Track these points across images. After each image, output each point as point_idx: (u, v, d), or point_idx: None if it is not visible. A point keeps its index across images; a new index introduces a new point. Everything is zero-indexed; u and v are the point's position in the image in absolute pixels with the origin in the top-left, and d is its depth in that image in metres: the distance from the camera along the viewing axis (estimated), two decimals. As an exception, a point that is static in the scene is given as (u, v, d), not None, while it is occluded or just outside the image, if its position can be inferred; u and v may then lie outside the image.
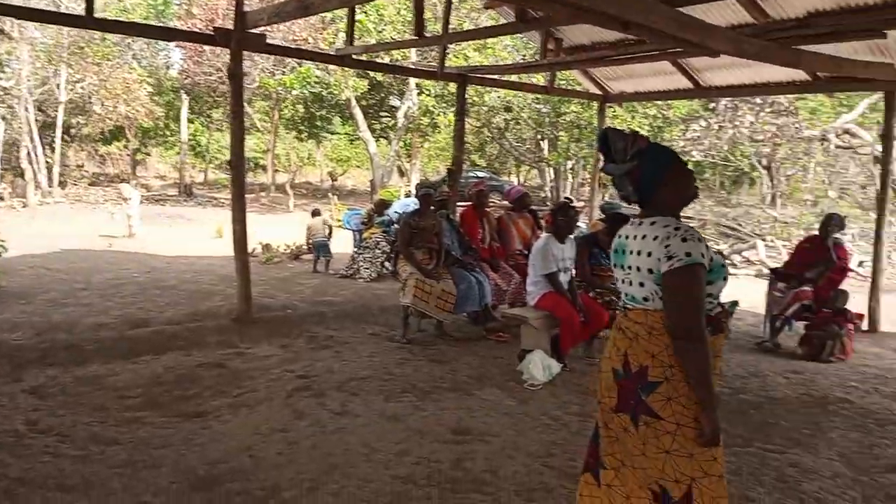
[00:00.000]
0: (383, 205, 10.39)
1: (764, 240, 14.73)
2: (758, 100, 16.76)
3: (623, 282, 2.40)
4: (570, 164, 25.96)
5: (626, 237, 2.40)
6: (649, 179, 2.34)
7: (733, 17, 6.56)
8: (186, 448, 3.84)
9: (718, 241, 15.91)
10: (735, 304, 6.64)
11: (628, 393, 2.30)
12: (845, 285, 7.00)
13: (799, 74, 7.62)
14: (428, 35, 7.70)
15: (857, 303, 7.45)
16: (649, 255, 2.28)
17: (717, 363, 2.33)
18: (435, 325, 6.74)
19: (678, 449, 2.23)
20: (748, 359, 6.44)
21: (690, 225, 2.31)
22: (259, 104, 28.18)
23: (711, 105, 18.21)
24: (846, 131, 16.83)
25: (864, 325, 7.55)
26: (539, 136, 24.68)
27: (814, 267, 6.80)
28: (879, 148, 9.29)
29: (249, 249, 7.14)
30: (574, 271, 6.01)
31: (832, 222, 6.74)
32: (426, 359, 5.90)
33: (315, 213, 10.98)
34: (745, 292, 9.52)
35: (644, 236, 2.32)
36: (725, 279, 2.38)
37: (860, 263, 12.19)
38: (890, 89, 7.25)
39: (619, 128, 2.49)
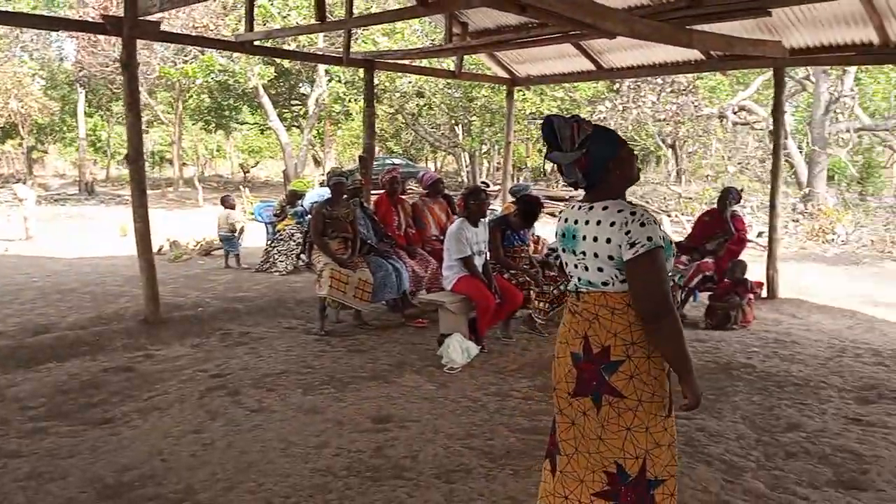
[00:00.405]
0: (296, 196, 10.19)
1: (669, 215, 15.31)
2: (659, 80, 17.35)
3: (576, 266, 2.40)
4: (484, 148, 26.21)
5: (577, 222, 2.39)
6: (598, 165, 2.34)
7: (626, 0, 6.74)
8: (94, 456, 3.68)
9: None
10: (682, 276, 6.89)
11: (590, 375, 2.33)
12: (746, 255, 7.36)
13: (694, 54, 7.92)
14: (331, 20, 7.55)
15: (756, 272, 7.87)
16: (608, 241, 2.28)
17: None
18: (353, 314, 6.69)
19: (638, 425, 2.29)
20: (657, 330, 6.68)
21: (637, 206, 2.34)
22: (162, 95, 27.11)
23: (615, 86, 18.73)
24: (742, 108, 17.68)
25: (764, 293, 7.98)
26: (453, 122, 24.78)
27: (713, 239, 7.12)
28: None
29: (156, 247, 6.87)
30: (488, 254, 6.09)
31: (729, 195, 7.07)
32: (345, 349, 5.85)
33: (224, 202, 10.53)
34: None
35: (599, 222, 2.32)
36: (673, 255, 2.42)
37: (759, 234, 12.85)
38: (778, 66, 7.63)
39: (562, 115, 2.46)
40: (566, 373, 2.39)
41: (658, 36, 5.43)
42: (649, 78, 17.05)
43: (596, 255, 2.31)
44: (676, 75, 16.49)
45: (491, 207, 11.75)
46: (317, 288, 6.35)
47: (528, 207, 6.19)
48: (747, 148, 18.37)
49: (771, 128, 8.67)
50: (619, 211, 2.29)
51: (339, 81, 21.48)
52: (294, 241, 9.63)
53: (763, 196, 14.46)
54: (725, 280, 6.99)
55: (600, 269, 2.31)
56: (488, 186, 21.77)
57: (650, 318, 2.24)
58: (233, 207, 10.41)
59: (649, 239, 2.22)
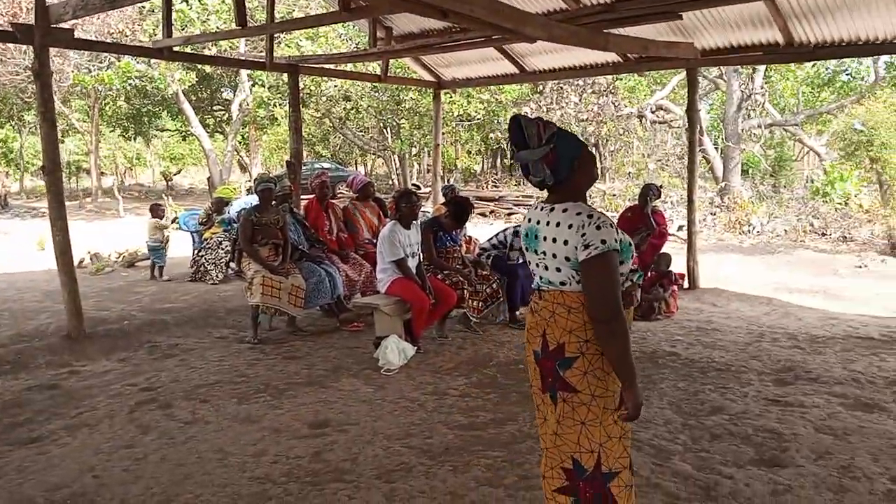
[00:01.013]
0: (222, 203, 9.98)
1: (595, 212, 15.67)
2: (580, 81, 17.79)
3: (537, 266, 2.47)
4: (414, 150, 26.26)
5: (538, 222, 2.45)
6: (567, 160, 2.40)
7: (548, 4, 6.92)
8: (22, 477, 3.54)
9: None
10: (641, 274, 7.07)
11: (547, 371, 2.42)
12: (668, 248, 7.66)
13: (612, 56, 8.19)
14: (253, 24, 7.46)
15: (678, 263, 8.19)
16: (565, 243, 2.35)
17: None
18: (287, 321, 6.63)
19: (592, 419, 2.37)
20: (587, 324, 6.87)
21: (595, 209, 2.41)
22: (77, 103, 26.02)
23: (539, 88, 19.10)
24: (660, 107, 18.31)
25: (685, 284, 8.32)
26: (381, 125, 24.73)
27: (636, 234, 7.38)
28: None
29: (76, 260, 6.63)
30: (421, 255, 6.14)
31: (650, 192, 7.34)
32: (280, 356, 5.80)
33: (153, 211, 10.18)
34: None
35: (558, 223, 2.37)
36: (632, 257, 2.49)
37: (679, 227, 13.35)
38: (691, 66, 7.97)
39: (526, 115, 2.51)
40: (533, 370, 2.49)
41: (576, 40, 5.60)
42: (571, 80, 17.49)
43: (554, 256, 2.38)
44: (597, 77, 16.96)
45: (422, 209, 11.82)
46: (248, 296, 6.26)
47: (459, 208, 6.28)
48: (666, 145, 19.01)
49: (687, 126, 9.01)
50: (577, 214, 2.35)
51: (263, 86, 21.14)
52: (223, 249, 9.44)
53: (682, 191, 14.98)
54: (651, 272, 7.25)
55: (558, 269, 2.39)
56: (419, 189, 21.87)
57: (599, 319, 2.31)
58: (161, 216, 10.11)
59: (603, 242, 2.28)
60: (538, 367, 2.46)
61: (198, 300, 8.10)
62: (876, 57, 17.41)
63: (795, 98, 20.90)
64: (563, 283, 2.40)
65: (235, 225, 8.76)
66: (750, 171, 19.13)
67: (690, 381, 5.04)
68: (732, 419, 4.25)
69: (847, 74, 21.46)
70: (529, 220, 2.51)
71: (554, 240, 2.38)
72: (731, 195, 15.93)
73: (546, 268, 2.43)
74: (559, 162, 2.40)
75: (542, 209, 2.47)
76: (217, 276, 9.31)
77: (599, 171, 22.47)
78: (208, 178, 24.61)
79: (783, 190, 17.33)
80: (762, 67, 16.81)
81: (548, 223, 2.41)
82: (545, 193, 2.50)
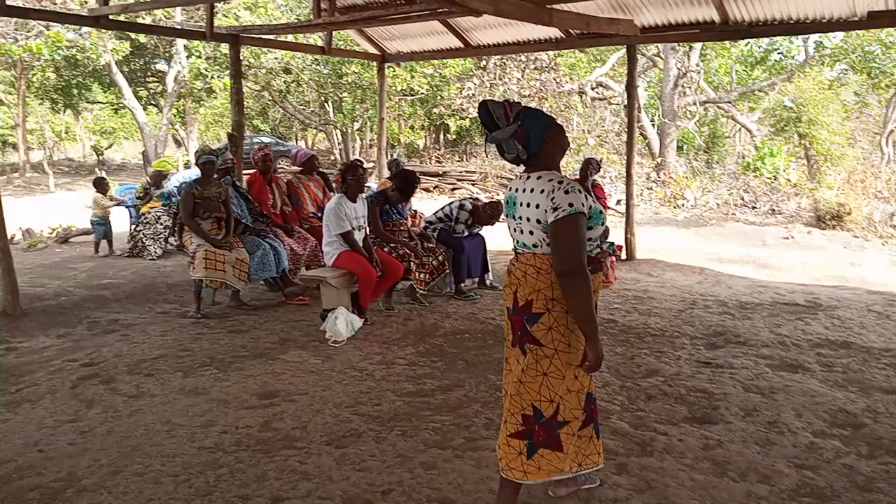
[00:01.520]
0: (160, 176, 9.77)
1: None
2: (522, 57, 17.91)
3: (515, 230, 2.70)
4: (356, 125, 26.00)
5: (516, 190, 2.69)
6: (537, 135, 2.61)
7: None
8: (-39, 455, 3.48)
9: (499, 191, 16.95)
10: (612, 244, 7.27)
11: (517, 325, 2.66)
12: (607, 221, 7.86)
13: (555, 32, 8.30)
14: (193, -6, 7.27)
15: (616, 236, 8.44)
16: (537, 206, 2.57)
17: (595, 297, 2.64)
18: (230, 296, 6.58)
19: (554, 371, 2.61)
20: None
21: (566, 177, 2.61)
22: (2, 74, 24.79)
23: (483, 63, 19.13)
24: (600, 84, 18.59)
25: (623, 255, 8.58)
26: (323, 98, 24.37)
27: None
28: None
29: (9, 235, 6.42)
30: (368, 228, 6.17)
31: (590, 166, 7.51)
32: (224, 330, 5.77)
33: (98, 185, 9.87)
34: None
35: (532, 190, 2.60)
36: (603, 224, 2.69)
37: (618, 202, 13.69)
38: (631, 43, 8.15)
39: (492, 99, 2.73)
40: (508, 325, 2.75)
41: (521, 14, 5.68)
42: (514, 55, 17.58)
43: (528, 220, 2.61)
44: (539, 53, 17.10)
45: (367, 184, 11.78)
46: (190, 270, 6.18)
47: (406, 181, 6.33)
48: (605, 122, 19.35)
49: (626, 102, 9.22)
50: (549, 180, 2.58)
51: (200, 57, 20.54)
52: (161, 223, 9.26)
53: (620, 166, 15.32)
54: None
55: (531, 233, 2.62)
56: (363, 164, 21.67)
57: (563, 274, 2.52)
58: (106, 192, 9.83)
59: (570, 205, 2.49)
60: (510, 321, 2.71)
61: (137, 276, 7.95)
62: (806, 36, 18.08)
63: (729, 76, 21.51)
64: (535, 246, 2.62)
65: (175, 199, 8.61)
66: (685, 147, 19.66)
67: (627, 346, 5.25)
68: (667, 381, 4.47)
69: (779, 53, 22.16)
70: (510, 189, 2.75)
71: (528, 205, 2.61)
72: (667, 170, 16.37)
73: (522, 231, 2.66)
74: (529, 136, 2.62)
75: (521, 178, 2.70)
76: (156, 252, 9.14)
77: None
78: (142, 153, 23.88)
79: (716, 165, 17.89)
80: (698, 46, 17.26)
81: (523, 190, 2.65)
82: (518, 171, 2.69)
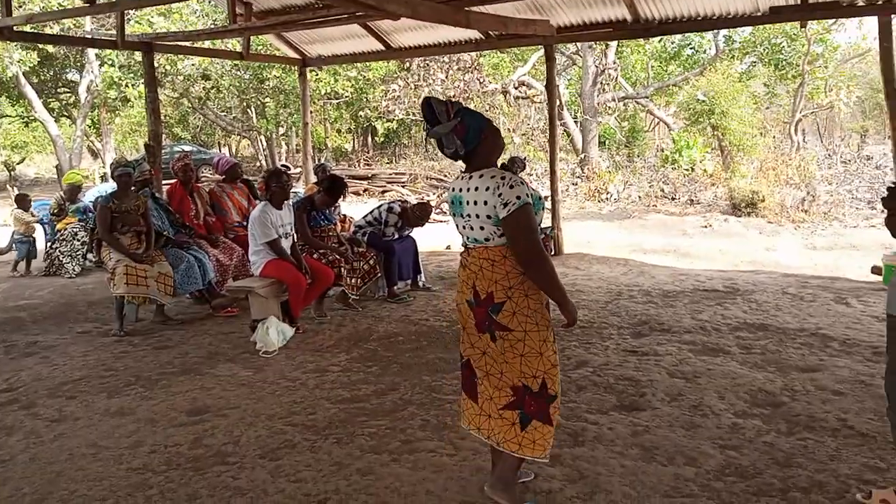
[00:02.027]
0: (75, 190, 9.38)
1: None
2: (445, 59, 18.01)
3: (464, 227, 2.85)
4: (281, 130, 25.61)
5: (460, 190, 2.81)
6: (475, 132, 2.75)
7: (411, -19, 6.98)
8: None
9: (429, 193, 17.00)
10: (552, 227, 7.36)
11: (482, 317, 2.81)
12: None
13: (474, 34, 8.39)
14: (102, 2, 7.02)
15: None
16: (485, 203, 2.70)
17: None
18: (155, 311, 6.38)
19: (529, 351, 2.78)
20: (462, 294, 7.09)
21: (507, 172, 2.76)
22: None
23: (406, 65, 19.16)
24: (522, 83, 18.87)
25: (552, 250, 8.75)
26: (245, 104, 23.90)
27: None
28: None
29: None
30: (296, 235, 6.10)
31: (515, 164, 7.63)
32: (150, 347, 5.60)
33: (20, 202, 9.43)
34: (456, 234, 10.40)
35: (477, 188, 2.74)
36: (542, 209, 2.86)
37: (545, 198, 13.91)
38: (548, 43, 8.31)
39: (434, 97, 2.83)
40: (467, 314, 2.88)
41: (438, 17, 5.72)
42: (437, 57, 17.66)
43: (478, 216, 2.74)
44: (462, 54, 17.24)
45: (294, 190, 11.62)
46: (111, 287, 5.97)
47: (333, 184, 6.28)
48: (530, 120, 19.67)
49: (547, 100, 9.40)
50: (491, 177, 2.73)
51: (113, 66, 19.83)
52: (78, 240, 8.90)
53: (545, 163, 15.62)
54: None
55: (482, 228, 2.76)
56: (289, 169, 21.36)
57: (527, 261, 2.71)
58: (28, 208, 9.38)
59: (518, 198, 2.66)
60: (472, 313, 2.85)
61: (55, 295, 7.63)
62: (716, 31, 18.80)
63: (646, 72, 22.19)
64: (486, 240, 2.78)
65: (91, 214, 8.31)
66: (607, 142, 20.19)
67: (558, 339, 5.24)
68: (595, 371, 4.59)
69: (691, 48, 22.99)
70: (454, 190, 2.86)
71: (475, 202, 2.74)
72: (591, 166, 16.78)
73: (472, 228, 2.80)
74: (468, 133, 2.75)
75: (462, 178, 2.84)
76: (74, 269, 8.79)
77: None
78: (56, 166, 22.87)
79: (637, 159, 18.45)
80: (614, 43, 17.73)
81: (468, 189, 2.78)
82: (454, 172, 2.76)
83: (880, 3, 6.34)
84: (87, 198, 9.22)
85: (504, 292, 2.75)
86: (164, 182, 8.15)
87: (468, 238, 2.85)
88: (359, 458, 3.46)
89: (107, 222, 5.98)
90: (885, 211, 2.60)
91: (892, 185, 2.55)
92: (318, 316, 6.26)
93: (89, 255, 8.81)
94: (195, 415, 4.11)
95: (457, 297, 2.96)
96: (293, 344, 5.46)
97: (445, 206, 14.95)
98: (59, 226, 9.17)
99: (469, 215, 2.78)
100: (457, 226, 2.92)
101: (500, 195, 2.66)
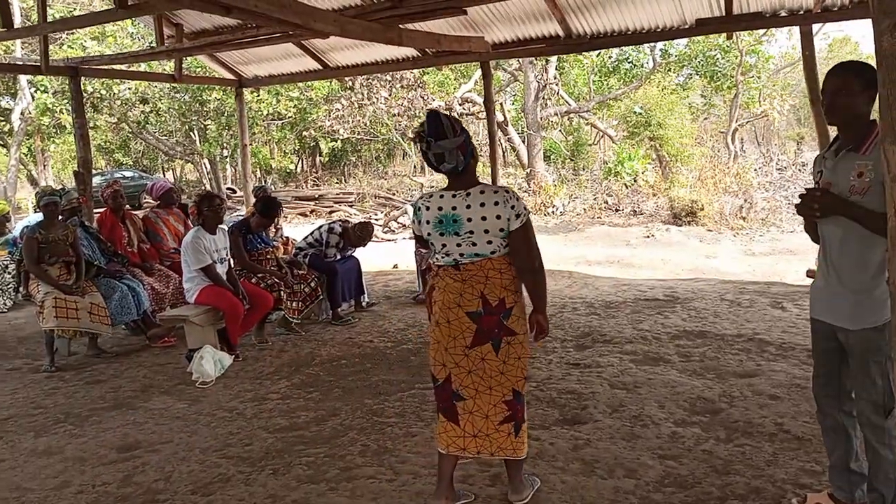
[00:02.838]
0: (2, 221, 9.03)
1: (414, 205, 16.02)
2: (388, 77, 18.02)
3: (458, 245, 2.86)
4: (225, 153, 25.21)
5: (455, 208, 2.83)
6: (471, 151, 2.86)
7: (341, 1, 6.94)
8: None
9: (377, 212, 16.92)
10: None
11: (491, 325, 2.87)
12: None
13: (411, 51, 8.38)
14: (22, 26, 6.79)
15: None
16: (497, 217, 2.80)
17: None
18: (88, 345, 6.14)
19: (523, 353, 2.94)
20: (407, 312, 7.04)
21: (504, 186, 2.96)
22: None
23: (349, 84, 19.10)
24: (467, 100, 18.99)
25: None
26: (186, 127, 23.47)
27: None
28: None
29: None
30: (232, 260, 5.95)
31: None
32: (81, 382, 5.38)
33: None
34: (404, 254, 10.36)
35: (482, 204, 2.81)
36: None
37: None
38: (484, 59, 8.36)
39: (438, 110, 2.93)
40: (462, 331, 2.88)
41: (370, 35, 5.69)
42: (379, 75, 17.65)
43: (487, 231, 2.82)
44: (404, 72, 17.28)
45: (238, 213, 11.41)
46: (40, 321, 5.74)
47: (265, 206, 6.18)
48: (479, 136, 19.79)
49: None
50: (494, 192, 2.85)
51: (46, 92, 19.26)
52: (9, 273, 8.55)
53: (489, 178, 15.71)
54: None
55: (489, 242, 2.84)
56: (235, 192, 21.02)
57: (532, 269, 2.90)
58: None
59: (525, 209, 2.88)
60: (475, 325, 2.86)
61: (-18, 331, 7.30)
62: (652, 46, 19.27)
63: (587, 86, 22.59)
64: (493, 252, 2.86)
65: (20, 245, 8.00)
66: (552, 156, 20.43)
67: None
68: (539, 385, 4.57)
69: (629, 63, 23.49)
70: (441, 209, 2.86)
71: (483, 218, 2.81)
72: (536, 180, 16.93)
73: (474, 244, 2.84)
74: (468, 150, 2.85)
75: (454, 196, 2.86)
76: (5, 304, 8.45)
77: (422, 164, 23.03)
78: (-10, 197, 22.05)
79: (582, 172, 18.70)
80: (554, 59, 17.99)
81: (468, 206, 2.82)
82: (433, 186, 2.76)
83: (801, 13, 6.55)
84: (17, 229, 8.87)
85: (513, 297, 2.89)
86: (96, 211, 7.89)
87: (463, 255, 2.87)
88: (295, 488, 3.36)
89: (33, 253, 5.76)
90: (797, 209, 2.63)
91: (803, 192, 2.59)
92: (259, 342, 6.11)
93: (20, 289, 8.47)
94: (126, 451, 3.96)
95: (443, 314, 2.91)
96: (232, 372, 5.32)
97: (394, 225, 14.88)
98: (-14, 259, 8.80)
99: (472, 231, 2.82)
100: (442, 245, 2.90)
101: (512, 207, 2.80)
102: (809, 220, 2.69)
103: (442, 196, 2.88)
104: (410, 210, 13.28)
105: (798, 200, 2.58)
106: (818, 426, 2.94)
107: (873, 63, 2.03)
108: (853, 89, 2.48)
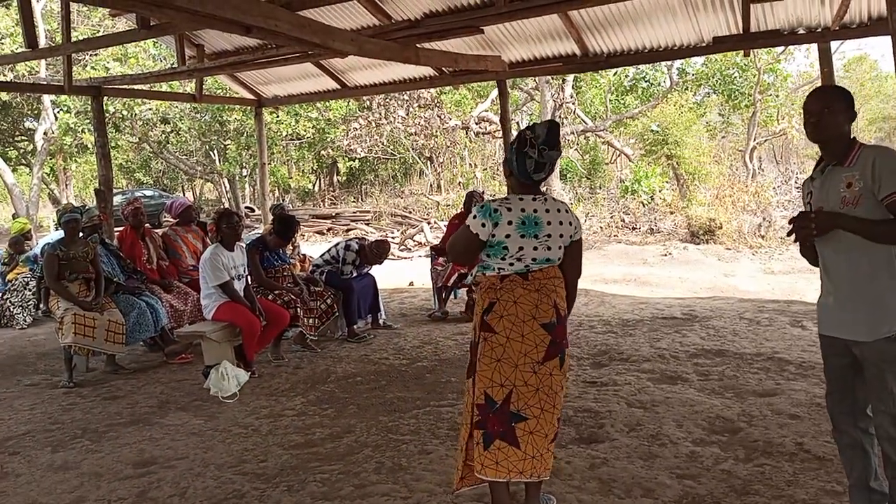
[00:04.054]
0: (20, 240, 9.15)
1: (430, 223, 16.09)
2: (405, 96, 18.16)
3: (535, 248, 2.85)
4: (244, 172, 25.48)
5: (536, 211, 2.84)
6: None
7: (359, 21, 7.04)
8: None
9: (393, 230, 16.98)
10: None
11: (562, 335, 2.89)
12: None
13: (428, 70, 8.46)
14: (47, 46, 6.94)
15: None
16: (570, 224, 2.91)
17: None
18: (105, 361, 6.19)
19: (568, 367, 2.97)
20: (423, 329, 7.04)
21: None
22: None
23: (366, 103, 19.27)
24: (483, 119, 19.08)
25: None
26: (206, 147, 23.78)
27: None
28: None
29: None
30: (249, 277, 5.99)
31: (472, 199, 7.65)
32: (99, 398, 5.41)
33: None
34: (420, 271, 10.37)
35: (558, 210, 2.89)
36: None
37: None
38: (501, 78, 8.41)
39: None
40: (536, 345, 2.82)
41: (388, 54, 5.75)
42: (397, 94, 17.79)
43: (561, 236, 2.88)
44: (422, 91, 17.40)
45: (255, 231, 11.51)
46: (59, 336, 5.80)
47: (283, 224, 6.21)
48: (496, 155, 19.85)
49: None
50: (561, 202, 2.96)
51: (69, 112, 19.60)
52: (30, 290, 8.67)
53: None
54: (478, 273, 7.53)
55: (560, 248, 2.91)
56: (253, 211, 21.21)
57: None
58: None
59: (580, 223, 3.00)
60: (549, 336, 2.83)
61: (4, 347, 7.39)
62: (670, 64, 19.27)
63: (604, 105, 22.61)
64: (558, 259, 2.93)
65: (41, 262, 8.12)
66: (569, 174, 20.42)
67: (519, 373, 5.29)
68: (555, 404, 4.52)
69: (646, 81, 23.50)
70: (524, 210, 2.84)
71: (560, 223, 2.87)
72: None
73: (549, 248, 2.86)
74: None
75: (534, 199, 2.88)
76: (25, 320, 8.55)
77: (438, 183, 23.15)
78: (13, 215, 22.42)
79: (598, 190, 18.65)
80: (570, 78, 18.05)
81: (547, 210, 2.86)
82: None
83: (819, 30, 6.54)
84: (38, 246, 9.00)
85: (564, 305, 2.94)
86: (117, 229, 8.00)
87: (535, 259, 2.86)
88: (309, 505, 3.35)
89: (54, 270, 5.83)
90: (791, 236, 2.64)
91: (795, 217, 2.60)
92: (275, 358, 6.13)
93: (41, 305, 8.59)
94: (142, 467, 3.96)
95: (516, 328, 2.82)
96: (248, 389, 5.33)
97: (410, 243, 14.92)
98: (9, 276, 8.93)
99: (549, 235, 2.84)
100: (516, 248, 2.84)
101: (575, 218, 2.94)
102: (806, 241, 2.69)
103: (522, 199, 2.87)
104: (426, 227, 13.23)
105: (790, 226, 2.61)
106: (837, 446, 2.89)
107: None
108: (836, 108, 2.59)
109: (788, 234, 2.63)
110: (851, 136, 2.63)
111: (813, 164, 2.87)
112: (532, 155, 2.81)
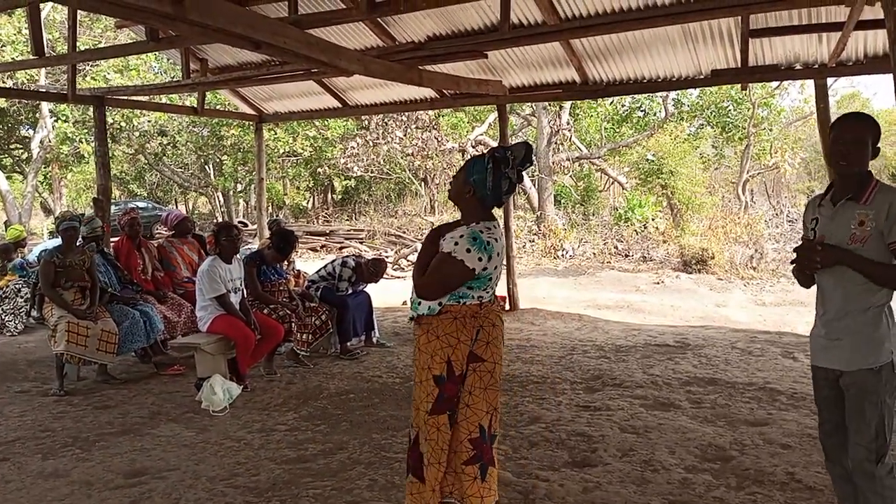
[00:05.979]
0: (10, 249, 9.11)
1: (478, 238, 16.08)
2: (403, 117, 18.29)
3: (494, 278, 2.91)
4: (239, 187, 25.49)
5: (496, 240, 2.81)
6: None
7: (364, 41, 7.15)
8: None
9: (387, 249, 17.00)
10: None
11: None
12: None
13: (429, 92, 8.56)
14: (52, 55, 6.99)
15: (499, 287, 8.61)
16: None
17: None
18: (97, 370, 6.15)
19: (491, 383, 3.00)
20: (416, 350, 7.01)
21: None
22: None
23: (365, 123, 19.38)
24: (479, 142, 19.21)
25: (507, 306, 8.77)
26: (202, 161, 23.80)
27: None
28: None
29: None
30: (245, 290, 5.99)
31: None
32: (90, 407, 5.38)
33: None
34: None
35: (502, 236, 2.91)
36: None
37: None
38: (501, 102, 8.52)
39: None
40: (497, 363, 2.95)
41: (392, 74, 5.83)
42: (395, 115, 17.92)
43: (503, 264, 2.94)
44: (420, 113, 17.54)
45: (249, 246, 11.53)
46: (52, 344, 5.77)
47: (282, 239, 6.23)
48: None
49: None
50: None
51: (67, 121, 19.61)
52: (21, 297, 8.61)
53: (501, 220, 15.82)
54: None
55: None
56: (246, 226, 21.21)
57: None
58: None
59: None
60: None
61: (-7, 354, 7.33)
62: (665, 95, 19.51)
63: (599, 133, 22.82)
64: None
65: (31, 269, 8.11)
66: (563, 200, 20.55)
67: (511, 395, 5.31)
68: (548, 427, 4.54)
69: (642, 111, 23.76)
70: (497, 240, 2.84)
71: (499, 253, 2.85)
72: (547, 223, 17.00)
73: (497, 279, 2.90)
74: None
75: (496, 227, 2.85)
76: (17, 327, 8.49)
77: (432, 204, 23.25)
78: (5, 223, 22.31)
79: (592, 217, 18.77)
80: (567, 105, 18.24)
81: (496, 239, 2.83)
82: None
83: (817, 66, 6.67)
84: (33, 253, 8.97)
85: None
86: (112, 239, 7.99)
87: (490, 291, 2.89)
88: (302, 520, 3.34)
89: (50, 277, 5.81)
90: (794, 263, 2.66)
91: (799, 246, 2.62)
92: (268, 373, 6.11)
93: (33, 312, 8.52)
94: (133, 477, 3.94)
95: (498, 352, 2.93)
96: (240, 402, 5.31)
97: (404, 263, 14.93)
98: (0, 283, 8.88)
99: (497, 266, 2.85)
100: (494, 279, 2.89)
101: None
102: (808, 271, 2.68)
103: (496, 227, 2.85)
104: (419, 247, 13.27)
105: (794, 255, 2.63)
106: (829, 477, 2.92)
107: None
108: (867, 139, 2.54)
109: (792, 262, 2.66)
110: (868, 170, 2.58)
111: (804, 199, 2.90)
112: (511, 176, 2.78)
